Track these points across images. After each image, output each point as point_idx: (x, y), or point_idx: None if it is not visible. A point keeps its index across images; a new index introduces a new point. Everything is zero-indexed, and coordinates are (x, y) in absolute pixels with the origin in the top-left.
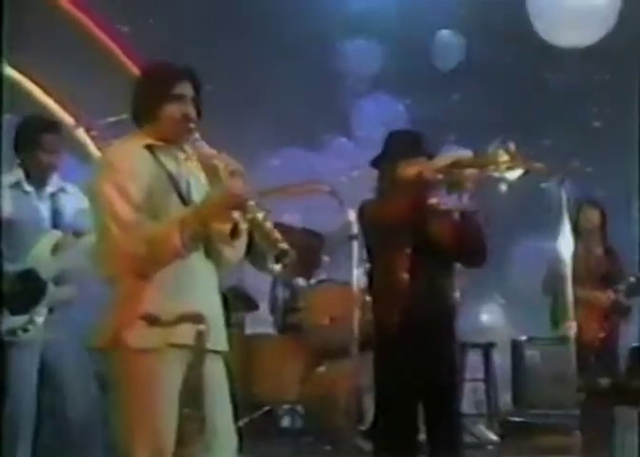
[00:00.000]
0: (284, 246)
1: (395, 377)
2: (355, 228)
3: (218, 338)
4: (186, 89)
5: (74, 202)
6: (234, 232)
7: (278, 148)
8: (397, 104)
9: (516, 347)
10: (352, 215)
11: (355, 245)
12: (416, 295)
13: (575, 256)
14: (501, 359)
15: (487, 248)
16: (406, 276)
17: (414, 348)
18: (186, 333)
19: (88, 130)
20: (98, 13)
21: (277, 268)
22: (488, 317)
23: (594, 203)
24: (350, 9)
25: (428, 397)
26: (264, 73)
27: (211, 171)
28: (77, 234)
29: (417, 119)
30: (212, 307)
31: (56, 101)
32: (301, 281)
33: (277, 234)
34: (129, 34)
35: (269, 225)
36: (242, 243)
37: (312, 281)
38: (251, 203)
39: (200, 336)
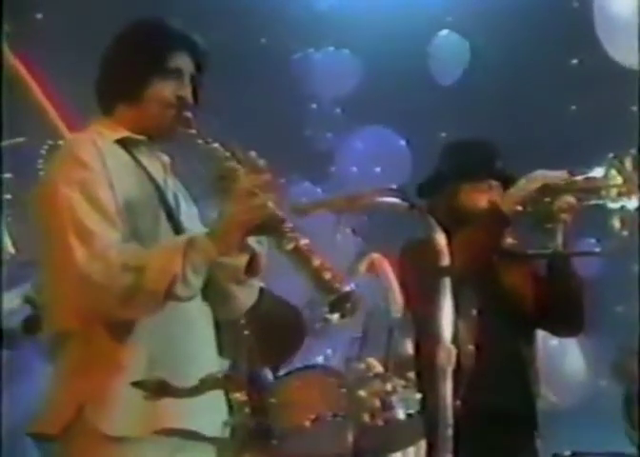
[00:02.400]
0: (344, 287)
1: None
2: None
3: (216, 421)
4: (184, 61)
5: None
6: (251, 267)
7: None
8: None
9: None
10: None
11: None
12: (485, 375)
13: None
14: None
15: (584, 310)
16: (471, 348)
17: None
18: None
19: None
20: None
21: (334, 318)
22: None
23: None
24: (314, 9)
25: None
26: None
27: (225, 180)
28: None
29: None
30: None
31: None
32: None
33: (332, 270)
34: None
35: (318, 258)
36: (257, 284)
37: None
38: (290, 224)
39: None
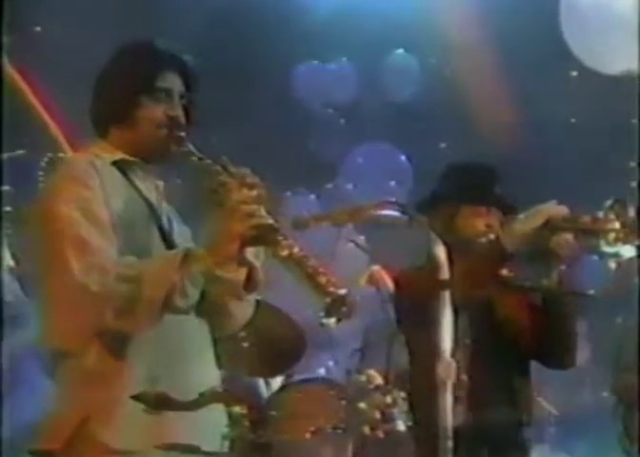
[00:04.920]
0: (339, 290)
1: None
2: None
3: (217, 435)
4: (173, 81)
5: None
6: (249, 282)
7: None
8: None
9: None
10: None
11: None
12: (478, 406)
13: None
14: None
15: (576, 345)
16: (464, 378)
17: None
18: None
19: None
20: None
21: (331, 322)
22: None
23: None
24: (309, 19)
25: None
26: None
27: (218, 194)
28: None
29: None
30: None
31: None
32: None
33: (326, 275)
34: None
35: (312, 263)
36: (252, 298)
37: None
38: (284, 233)
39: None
